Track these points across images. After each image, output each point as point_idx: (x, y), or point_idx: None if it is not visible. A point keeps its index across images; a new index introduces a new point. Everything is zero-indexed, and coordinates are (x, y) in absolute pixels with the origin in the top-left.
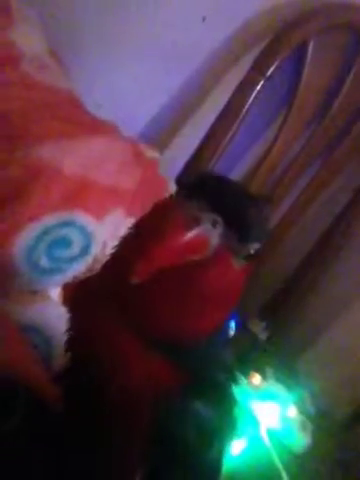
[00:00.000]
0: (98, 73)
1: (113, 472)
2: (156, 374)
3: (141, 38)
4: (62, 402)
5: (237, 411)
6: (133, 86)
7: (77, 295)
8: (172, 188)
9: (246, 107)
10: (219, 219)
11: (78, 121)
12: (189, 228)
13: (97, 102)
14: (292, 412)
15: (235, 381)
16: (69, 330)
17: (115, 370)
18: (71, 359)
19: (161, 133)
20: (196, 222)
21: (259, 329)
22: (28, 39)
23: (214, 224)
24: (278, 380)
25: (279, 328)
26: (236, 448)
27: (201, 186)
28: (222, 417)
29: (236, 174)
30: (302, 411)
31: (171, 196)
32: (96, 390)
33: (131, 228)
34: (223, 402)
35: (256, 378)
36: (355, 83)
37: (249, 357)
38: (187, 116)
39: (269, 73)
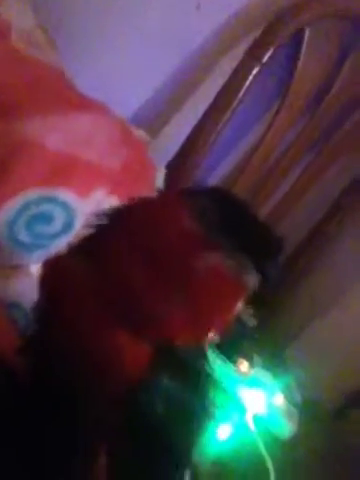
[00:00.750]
0: (91, 57)
1: (78, 446)
2: (126, 349)
3: (135, 24)
4: (29, 374)
5: (213, 393)
6: (126, 71)
7: (51, 267)
8: (160, 173)
9: (240, 94)
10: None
11: (66, 98)
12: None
13: (89, 85)
14: (278, 399)
15: (210, 363)
16: (39, 300)
17: (84, 344)
18: (39, 331)
19: (154, 119)
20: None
21: (247, 316)
22: (17, 14)
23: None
24: (266, 368)
25: (268, 316)
26: (222, 434)
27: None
28: (194, 397)
29: (229, 162)
30: (288, 399)
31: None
32: (63, 363)
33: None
34: (196, 382)
35: (244, 365)
36: (351, 72)
37: (237, 344)
38: (181, 102)
39: (264, 60)
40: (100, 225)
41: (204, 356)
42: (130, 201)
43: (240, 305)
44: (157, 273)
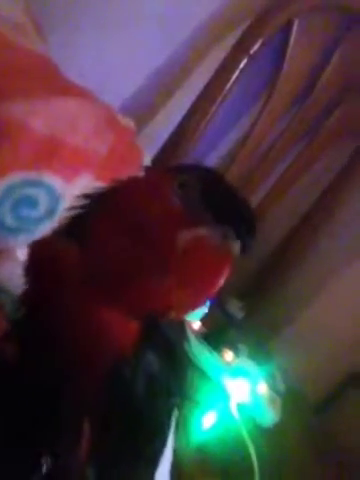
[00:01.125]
0: (82, 44)
1: (62, 421)
2: (113, 327)
3: (126, 12)
4: (16, 354)
5: (190, 372)
6: (116, 59)
7: (37, 249)
8: (147, 161)
9: (229, 85)
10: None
11: (51, 83)
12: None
13: (79, 72)
14: (262, 388)
15: (189, 343)
16: (25, 283)
17: (72, 322)
18: (26, 314)
19: (143, 108)
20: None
21: (236, 308)
22: (4, 1)
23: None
24: (251, 357)
25: (256, 307)
26: (207, 421)
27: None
28: (173, 374)
29: (218, 152)
30: (272, 388)
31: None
32: (51, 342)
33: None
34: (176, 361)
35: (228, 354)
36: (339, 64)
37: (222, 334)
38: (170, 92)
39: (253, 51)
40: (85, 206)
41: (185, 333)
42: (114, 182)
43: (227, 272)
44: (143, 250)
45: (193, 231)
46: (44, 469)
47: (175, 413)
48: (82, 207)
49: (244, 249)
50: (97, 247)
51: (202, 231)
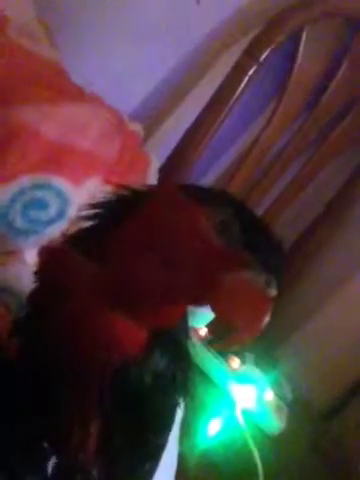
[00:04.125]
0: (91, 51)
1: (68, 420)
2: (126, 335)
3: (135, 19)
4: (19, 351)
5: (194, 371)
6: (125, 67)
7: (49, 255)
8: (155, 166)
9: (238, 92)
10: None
11: (61, 89)
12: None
13: (88, 80)
14: (268, 395)
15: (193, 342)
16: (36, 282)
17: (84, 328)
18: (33, 313)
19: (152, 115)
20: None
21: None
22: (15, 6)
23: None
24: (257, 365)
25: None
26: (212, 428)
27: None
28: (179, 372)
29: (226, 159)
30: (279, 395)
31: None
32: (58, 344)
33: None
34: (181, 359)
35: (235, 361)
36: (348, 72)
37: None
38: (179, 99)
39: (262, 59)
40: (101, 216)
41: (188, 335)
42: (126, 190)
43: (268, 317)
44: (178, 281)
45: (239, 274)
46: (49, 469)
47: (179, 411)
48: (98, 217)
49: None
50: (121, 264)
51: (247, 275)
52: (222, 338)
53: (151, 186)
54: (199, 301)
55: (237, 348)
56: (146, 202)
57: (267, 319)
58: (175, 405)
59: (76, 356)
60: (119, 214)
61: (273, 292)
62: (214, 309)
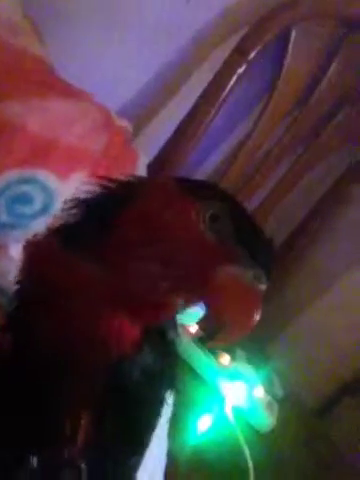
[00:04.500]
0: (80, 49)
1: (59, 413)
2: (118, 330)
3: (124, 17)
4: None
5: (181, 367)
6: (115, 64)
7: (36, 249)
8: (143, 162)
9: (227, 90)
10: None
11: (47, 84)
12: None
13: (78, 76)
14: (259, 392)
15: (180, 338)
16: (21, 277)
17: (76, 324)
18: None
19: (141, 113)
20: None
21: None
22: (2, 3)
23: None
24: (248, 361)
25: None
26: (202, 425)
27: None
28: (166, 368)
29: (216, 157)
30: (269, 392)
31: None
32: (48, 339)
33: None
34: (168, 355)
35: (225, 358)
36: (337, 72)
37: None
38: (169, 97)
39: (251, 57)
40: (90, 209)
41: (176, 330)
42: (114, 183)
43: (258, 313)
44: (171, 277)
45: (229, 269)
46: (32, 464)
47: (166, 407)
48: (87, 211)
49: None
50: (114, 263)
51: (238, 270)
52: (213, 334)
53: (142, 178)
54: (192, 297)
55: (229, 345)
56: (138, 196)
57: (257, 314)
58: (162, 400)
59: (69, 352)
60: (109, 208)
61: (263, 287)
62: (205, 304)
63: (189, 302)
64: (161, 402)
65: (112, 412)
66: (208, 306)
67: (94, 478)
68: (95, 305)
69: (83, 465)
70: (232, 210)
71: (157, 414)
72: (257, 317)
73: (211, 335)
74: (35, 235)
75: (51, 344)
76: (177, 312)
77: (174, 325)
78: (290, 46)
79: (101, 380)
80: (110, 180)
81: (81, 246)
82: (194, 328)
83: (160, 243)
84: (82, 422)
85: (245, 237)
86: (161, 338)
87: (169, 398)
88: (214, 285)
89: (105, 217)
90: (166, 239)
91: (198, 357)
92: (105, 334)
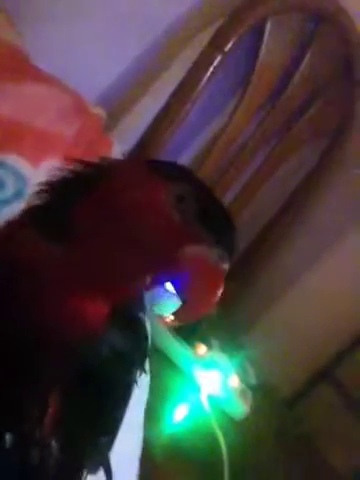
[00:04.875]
0: (55, 41)
1: (27, 393)
2: (86, 312)
3: (99, 9)
4: None
5: (149, 347)
6: (89, 57)
7: (7, 234)
8: (117, 151)
9: (202, 83)
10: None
11: (20, 70)
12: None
13: (52, 68)
14: (234, 381)
15: (148, 318)
16: None
17: (44, 307)
18: None
19: (116, 105)
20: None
21: None
22: None
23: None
24: (223, 351)
25: (229, 302)
26: (178, 414)
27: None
28: (135, 348)
29: (191, 150)
30: (244, 381)
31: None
32: (20, 322)
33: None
34: (137, 335)
35: (201, 348)
36: (311, 64)
37: (194, 328)
38: (144, 89)
39: (226, 49)
40: (60, 192)
41: (144, 309)
42: (84, 166)
43: (221, 291)
44: (137, 257)
45: (194, 248)
46: (6, 442)
47: (138, 390)
48: (57, 193)
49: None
50: (81, 243)
51: (202, 249)
52: (175, 312)
53: (112, 160)
54: (157, 275)
55: (189, 322)
56: (107, 176)
57: (219, 292)
58: (132, 380)
59: (36, 332)
60: (77, 189)
61: (226, 266)
62: (170, 283)
63: (155, 281)
64: (131, 382)
65: (81, 391)
66: (173, 284)
67: (65, 457)
68: (59, 285)
69: (53, 444)
70: (197, 191)
71: (127, 394)
72: (218, 295)
73: (174, 312)
74: (7, 221)
75: (17, 324)
76: (144, 291)
77: (143, 306)
78: (265, 39)
79: (70, 359)
80: (81, 163)
81: (49, 227)
82: (170, 318)
83: (126, 222)
84: (51, 401)
85: (209, 218)
86: (129, 318)
87: (138, 378)
88: (179, 264)
89: (72, 198)
90: (133, 218)
91: (174, 347)
92: (70, 313)
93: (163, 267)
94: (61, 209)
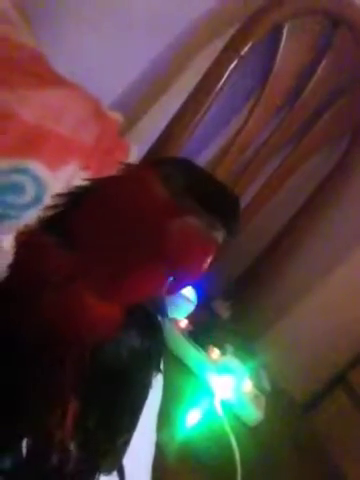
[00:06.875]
0: (72, 43)
1: (46, 399)
2: (99, 314)
3: (117, 11)
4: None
5: (165, 346)
6: (107, 59)
7: (24, 242)
8: (134, 154)
9: (219, 85)
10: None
11: (39, 74)
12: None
13: (69, 70)
14: (247, 386)
15: (167, 318)
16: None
17: (58, 309)
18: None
19: (132, 108)
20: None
21: (223, 308)
22: None
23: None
24: (237, 356)
25: (243, 308)
26: (191, 418)
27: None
28: (153, 350)
29: (206, 153)
30: (257, 386)
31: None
32: (35, 325)
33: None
34: (155, 336)
35: (215, 352)
36: (328, 68)
37: (209, 333)
38: (160, 91)
39: (243, 53)
40: (67, 201)
41: (162, 310)
42: (97, 179)
43: (212, 258)
44: (134, 239)
45: (182, 220)
46: (23, 449)
47: (154, 394)
48: (65, 202)
49: (230, 235)
50: (85, 242)
51: (191, 220)
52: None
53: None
54: (155, 257)
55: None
56: (105, 182)
57: (210, 259)
58: (148, 382)
59: (53, 339)
60: (84, 198)
61: (218, 234)
62: (165, 260)
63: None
64: (147, 384)
65: (98, 394)
66: (167, 261)
67: (82, 458)
68: (67, 289)
69: (72, 447)
70: (184, 168)
71: (143, 396)
72: (209, 262)
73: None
74: (26, 226)
75: (31, 331)
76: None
77: (162, 308)
78: (282, 42)
79: (86, 362)
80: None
81: (58, 234)
82: (184, 322)
83: (120, 213)
84: (70, 405)
85: (196, 190)
86: (147, 321)
87: (154, 380)
88: (169, 237)
89: (77, 202)
90: (126, 207)
91: (188, 351)
92: (85, 319)
93: (153, 244)
94: (67, 215)
